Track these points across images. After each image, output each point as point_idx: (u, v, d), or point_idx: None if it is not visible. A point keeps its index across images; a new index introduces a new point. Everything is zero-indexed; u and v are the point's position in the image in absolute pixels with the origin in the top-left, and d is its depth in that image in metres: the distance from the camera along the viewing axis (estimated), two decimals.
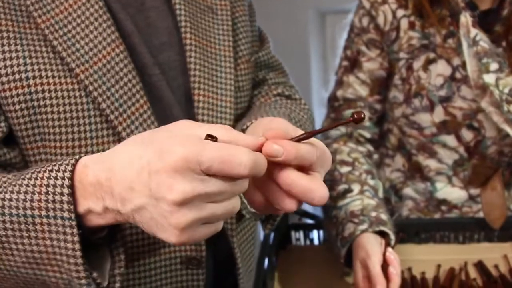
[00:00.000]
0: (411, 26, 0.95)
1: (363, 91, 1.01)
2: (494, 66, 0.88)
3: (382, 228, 0.83)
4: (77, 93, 0.64)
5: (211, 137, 0.44)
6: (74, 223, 0.46)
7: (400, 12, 0.96)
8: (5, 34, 0.63)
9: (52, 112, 0.63)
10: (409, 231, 0.98)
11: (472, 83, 0.90)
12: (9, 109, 0.63)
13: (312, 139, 0.50)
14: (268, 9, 2.19)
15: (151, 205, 0.43)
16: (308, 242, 1.02)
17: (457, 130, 0.96)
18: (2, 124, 0.64)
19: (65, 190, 0.46)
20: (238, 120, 0.79)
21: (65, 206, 0.46)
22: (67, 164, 0.47)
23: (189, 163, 0.42)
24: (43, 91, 0.63)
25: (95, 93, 0.64)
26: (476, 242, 0.98)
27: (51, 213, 0.47)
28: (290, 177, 0.48)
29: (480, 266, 0.90)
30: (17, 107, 0.63)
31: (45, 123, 0.64)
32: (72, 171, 0.47)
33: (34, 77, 0.62)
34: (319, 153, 0.49)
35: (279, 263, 0.95)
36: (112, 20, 0.67)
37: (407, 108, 0.98)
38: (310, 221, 1.03)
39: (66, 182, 0.46)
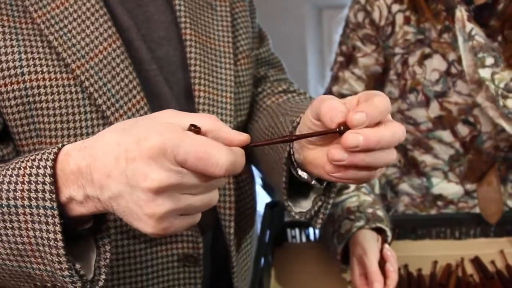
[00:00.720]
0: (407, 21, 0.95)
1: (359, 87, 1.01)
2: (489, 60, 0.88)
3: (379, 224, 0.82)
4: (73, 89, 0.64)
5: (194, 127, 0.43)
6: (56, 212, 0.46)
7: (395, 7, 0.95)
8: (0, 29, 0.62)
9: (48, 108, 0.63)
10: (405, 227, 0.98)
11: (468, 78, 0.89)
12: (4, 104, 0.63)
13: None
14: (265, 3, 2.18)
15: (127, 193, 0.43)
16: (304, 239, 1.01)
17: (452, 125, 0.96)
18: None
19: (47, 179, 0.46)
20: (240, 116, 0.79)
21: (47, 195, 0.46)
22: (49, 153, 0.47)
23: (165, 152, 0.41)
24: (38, 86, 0.63)
25: (91, 89, 0.64)
26: (473, 237, 0.98)
27: (33, 203, 0.46)
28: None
29: (476, 262, 0.90)
30: (13, 102, 0.63)
31: (40, 118, 0.64)
32: (54, 160, 0.46)
33: (29, 73, 0.62)
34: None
35: (275, 261, 0.95)
36: (108, 15, 0.67)
37: (402, 103, 0.98)
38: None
39: (48, 171, 0.46)
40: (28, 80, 0.62)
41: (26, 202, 0.46)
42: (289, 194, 0.62)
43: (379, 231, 0.83)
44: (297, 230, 1.01)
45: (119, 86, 0.65)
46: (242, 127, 0.80)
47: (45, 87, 0.63)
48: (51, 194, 0.46)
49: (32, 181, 0.46)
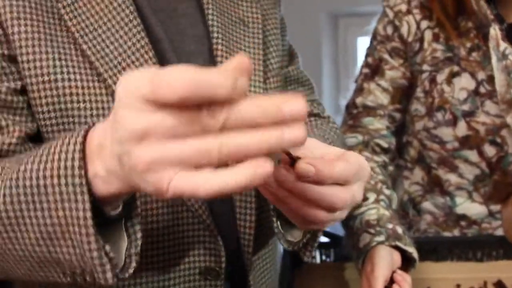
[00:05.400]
0: (435, 38, 0.93)
1: (384, 99, 0.99)
2: None
3: (399, 243, 0.80)
4: (105, 98, 0.64)
5: None
6: (85, 189, 0.43)
7: (424, 24, 0.94)
8: (36, 35, 0.63)
9: (79, 116, 0.63)
10: (426, 248, 0.96)
11: (499, 98, 0.88)
12: (37, 110, 0.64)
13: (348, 155, 0.49)
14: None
15: (121, 152, 0.38)
16: (324, 259, 1.00)
17: (479, 145, 0.94)
18: (29, 124, 0.64)
19: (77, 155, 0.43)
20: None
21: (76, 171, 0.44)
22: (80, 130, 0.45)
23: (131, 94, 0.36)
24: (71, 94, 0.63)
25: None
26: (495, 259, 0.96)
27: (62, 180, 0.44)
28: (315, 190, 0.46)
29: (500, 285, 0.88)
30: (45, 108, 0.63)
31: (71, 126, 0.64)
32: (85, 136, 0.44)
33: (63, 80, 0.63)
34: (355, 169, 0.48)
35: (295, 283, 0.93)
36: (142, 25, 0.66)
37: (429, 121, 0.96)
38: (325, 239, 1.01)
39: (78, 146, 0.44)
40: (62, 87, 0.63)
41: (55, 180, 0.45)
42: (285, 221, 0.60)
43: (399, 249, 0.81)
44: (317, 251, 0.99)
45: None
46: None
47: (77, 94, 0.63)
48: (80, 170, 0.43)
49: (61, 159, 0.44)
